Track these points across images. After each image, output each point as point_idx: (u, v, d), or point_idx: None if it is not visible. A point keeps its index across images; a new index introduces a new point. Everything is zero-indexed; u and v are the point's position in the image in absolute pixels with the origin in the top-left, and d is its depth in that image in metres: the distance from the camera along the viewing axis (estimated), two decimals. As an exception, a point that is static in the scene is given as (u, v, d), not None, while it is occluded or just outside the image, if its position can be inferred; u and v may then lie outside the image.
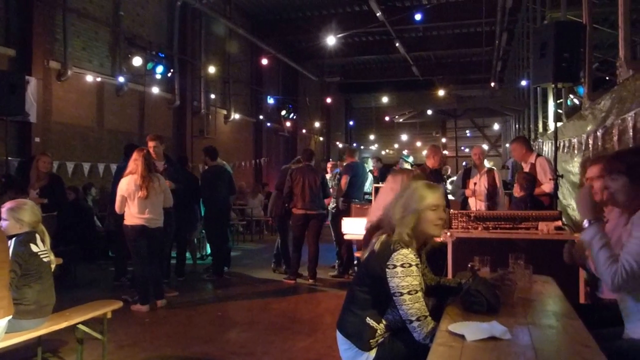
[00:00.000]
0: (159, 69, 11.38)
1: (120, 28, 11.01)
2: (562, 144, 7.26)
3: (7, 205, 3.95)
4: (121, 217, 6.11)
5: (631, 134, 4.18)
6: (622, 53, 5.10)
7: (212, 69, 13.46)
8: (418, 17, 13.03)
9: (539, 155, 6.61)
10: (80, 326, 4.14)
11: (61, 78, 9.63)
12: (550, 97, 8.58)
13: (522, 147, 6.66)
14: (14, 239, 3.83)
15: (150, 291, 6.20)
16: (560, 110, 9.22)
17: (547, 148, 7.56)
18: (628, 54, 5.13)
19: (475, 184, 6.91)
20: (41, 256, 3.90)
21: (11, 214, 3.89)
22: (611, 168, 2.59)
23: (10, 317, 3.50)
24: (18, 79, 8.23)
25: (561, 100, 9.19)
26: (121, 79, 10.85)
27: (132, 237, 6.02)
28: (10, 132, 8.49)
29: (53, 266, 4.05)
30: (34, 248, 3.87)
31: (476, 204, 6.89)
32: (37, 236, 3.95)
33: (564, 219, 5.55)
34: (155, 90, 11.89)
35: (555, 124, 6.85)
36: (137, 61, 10.83)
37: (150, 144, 6.88)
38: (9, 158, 8.38)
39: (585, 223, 2.47)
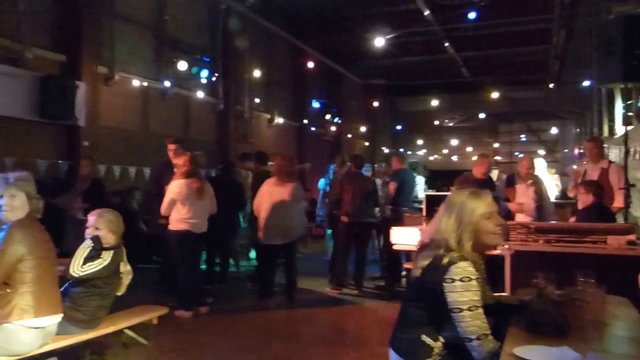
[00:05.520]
0: (204, 73, 11.38)
1: (164, 32, 11.06)
2: (632, 150, 6.75)
3: (100, 213, 3.96)
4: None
5: None
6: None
7: (256, 73, 13.38)
8: (472, 15, 12.50)
9: (611, 161, 6.13)
10: (127, 331, 4.19)
11: (108, 82, 9.72)
12: (617, 99, 8.05)
13: (598, 148, 6.22)
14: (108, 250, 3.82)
15: (193, 297, 6.11)
16: (630, 113, 8.67)
17: (614, 154, 7.04)
18: None
19: (522, 204, 6.37)
20: (122, 277, 3.94)
21: (107, 225, 3.90)
22: None
23: (61, 317, 3.47)
24: (68, 83, 8.45)
25: (631, 101, 8.65)
26: (167, 84, 10.89)
27: (178, 242, 5.95)
28: (60, 135, 8.69)
29: (129, 278, 4.03)
30: (121, 267, 3.93)
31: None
32: (124, 252, 3.97)
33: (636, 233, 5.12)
34: (199, 94, 11.90)
35: (626, 128, 6.40)
36: (182, 65, 10.84)
37: (171, 147, 6.76)
38: (59, 161, 8.59)
39: None
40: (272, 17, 14.39)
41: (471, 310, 2.28)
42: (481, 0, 13.26)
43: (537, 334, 2.28)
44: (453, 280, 2.31)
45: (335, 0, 14.81)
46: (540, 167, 7.49)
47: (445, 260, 2.38)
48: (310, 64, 15.18)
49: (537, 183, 6.43)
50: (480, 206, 2.49)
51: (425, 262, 2.50)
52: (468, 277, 2.31)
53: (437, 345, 2.43)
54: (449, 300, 2.31)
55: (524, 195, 6.40)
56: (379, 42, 12.70)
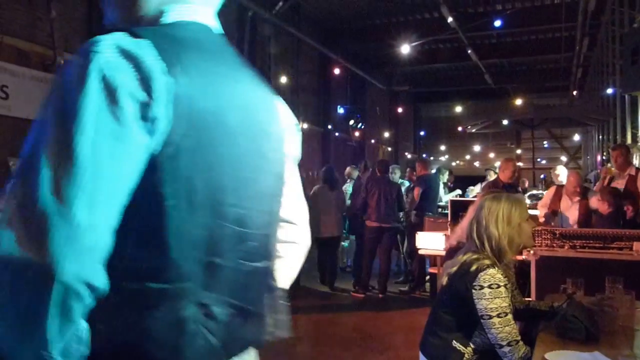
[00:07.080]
0: (230, 79, 11.54)
1: (193, 39, 11.24)
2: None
3: None
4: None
5: None
6: None
7: (281, 79, 13.52)
8: (497, 23, 12.51)
9: (638, 168, 6.04)
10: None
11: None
12: (642, 106, 7.99)
13: (624, 155, 6.12)
14: None
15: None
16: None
17: (638, 161, 6.97)
18: None
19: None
20: None
21: None
22: None
23: None
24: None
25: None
26: (193, 90, 11.07)
27: None
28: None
29: None
30: None
31: None
32: None
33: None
34: (226, 100, 12.05)
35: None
36: (209, 72, 11.03)
37: None
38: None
39: None
40: (299, 24, 14.55)
41: (500, 317, 2.33)
42: (505, 8, 13.27)
43: (568, 339, 2.31)
44: (482, 287, 2.35)
45: (361, 8, 14.91)
46: (562, 173, 7.43)
47: (474, 267, 2.42)
48: (336, 71, 15.29)
49: (584, 200, 6.21)
50: (522, 210, 2.56)
51: (454, 269, 2.55)
52: (497, 284, 2.35)
53: (468, 350, 2.48)
54: (478, 307, 2.36)
55: (567, 210, 6.22)
56: (404, 49, 12.76)
